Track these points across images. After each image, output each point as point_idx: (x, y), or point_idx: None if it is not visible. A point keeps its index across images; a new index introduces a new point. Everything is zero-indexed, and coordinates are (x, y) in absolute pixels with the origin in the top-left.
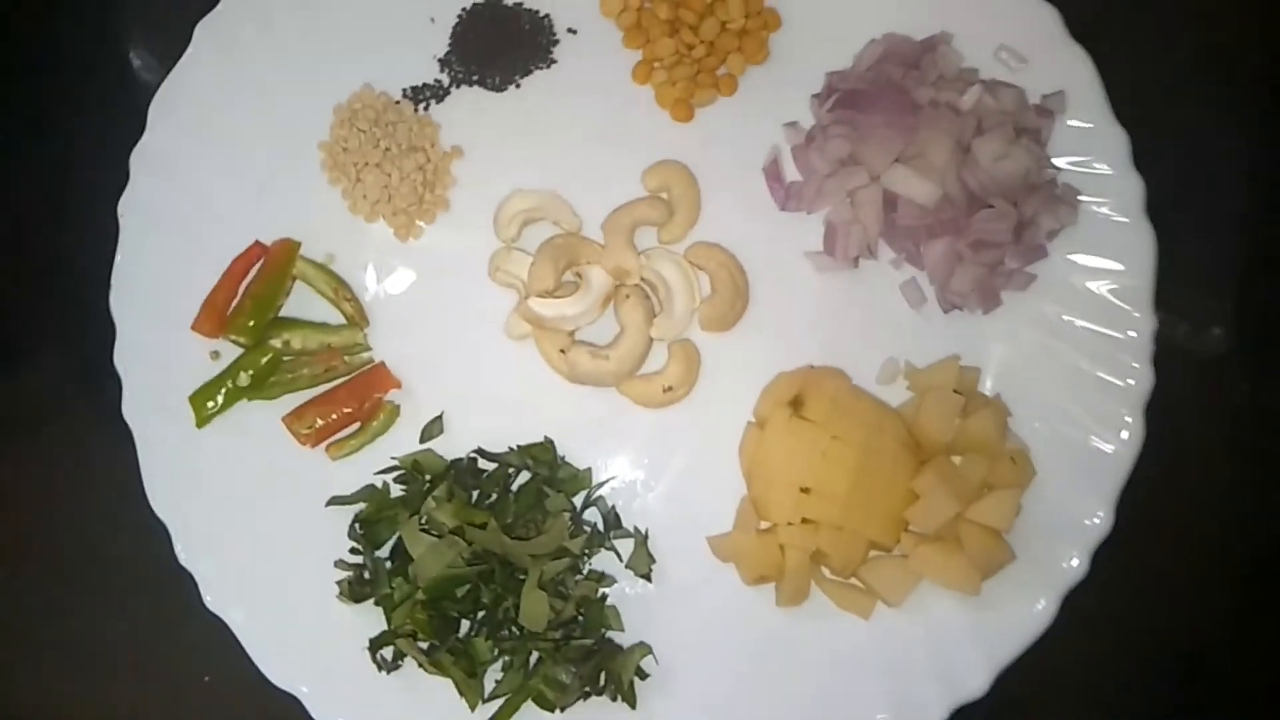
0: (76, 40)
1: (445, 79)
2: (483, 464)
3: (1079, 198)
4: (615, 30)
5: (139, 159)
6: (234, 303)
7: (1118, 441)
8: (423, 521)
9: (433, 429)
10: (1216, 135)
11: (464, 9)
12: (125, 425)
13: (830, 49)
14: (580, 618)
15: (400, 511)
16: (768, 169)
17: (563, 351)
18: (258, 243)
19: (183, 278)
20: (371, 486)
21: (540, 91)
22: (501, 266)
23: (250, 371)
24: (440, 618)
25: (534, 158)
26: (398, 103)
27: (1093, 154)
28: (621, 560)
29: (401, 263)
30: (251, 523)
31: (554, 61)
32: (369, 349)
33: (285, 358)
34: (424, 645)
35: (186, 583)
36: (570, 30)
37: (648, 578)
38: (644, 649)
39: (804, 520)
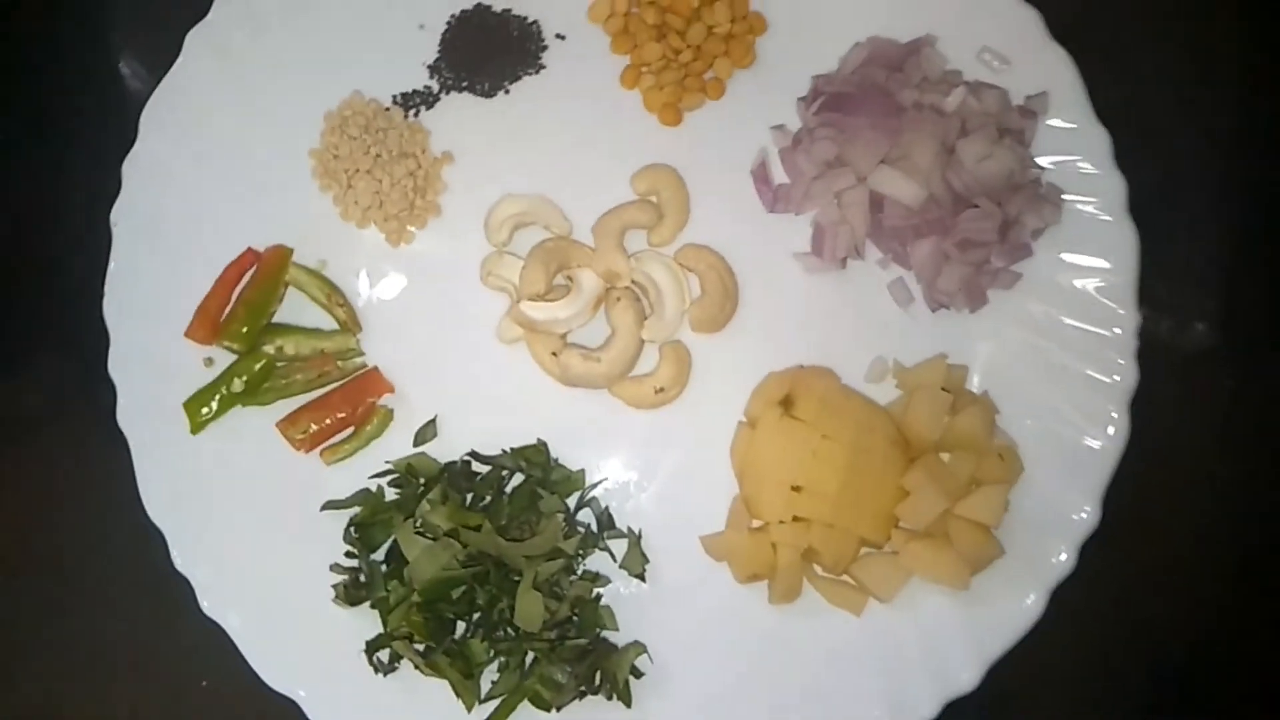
0: (67, 51)
1: (435, 85)
2: (476, 467)
3: (1063, 197)
4: (603, 36)
5: (131, 168)
6: (227, 309)
7: (1104, 437)
8: (417, 524)
9: (426, 433)
10: (1197, 134)
11: (453, 15)
12: (121, 431)
13: (815, 52)
14: (575, 618)
15: (395, 515)
16: (755, 171)
17: (555, 354)
18: (250, 249)
19: (176, 285)
20: (366, 490)
21: (529, 97)
22: (493, 271)
23: (244, 378)
24: (436, 620)
25: (524, 163)
26: (388, 109)
27: (1076, 153)
28: (615, 560)
29: (393, 268)
30: (247, 528)
31: (543, 67)
32: (362, 354)
33: (279, 363)
34: (420, 647)
35: (184, 587)
36: (559, 36)
37: (641, 577)
38: (639, 648)
39: (795, 518)
